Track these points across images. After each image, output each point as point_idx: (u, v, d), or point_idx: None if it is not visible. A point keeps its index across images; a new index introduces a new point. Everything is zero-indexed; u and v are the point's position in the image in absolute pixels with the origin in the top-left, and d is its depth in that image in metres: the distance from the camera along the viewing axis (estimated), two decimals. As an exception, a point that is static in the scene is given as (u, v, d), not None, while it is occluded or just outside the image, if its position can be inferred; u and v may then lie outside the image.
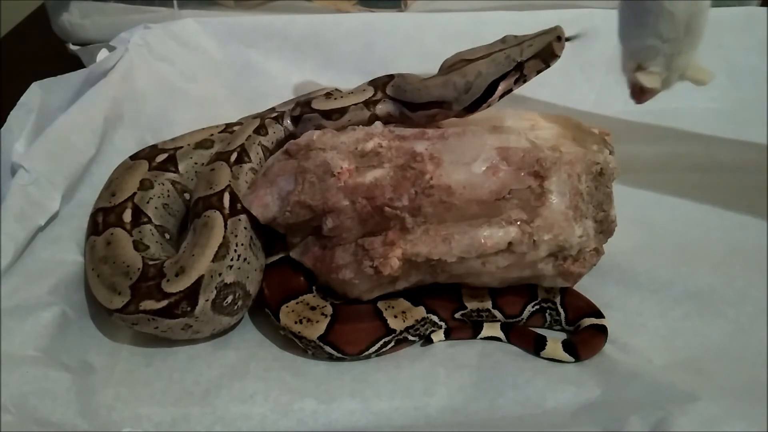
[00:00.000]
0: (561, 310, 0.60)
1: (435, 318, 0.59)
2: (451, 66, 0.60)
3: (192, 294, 0.54)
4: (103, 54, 0.79)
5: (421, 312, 0.59)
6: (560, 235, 0.54)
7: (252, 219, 0.58)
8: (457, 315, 0.60)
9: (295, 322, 0.56)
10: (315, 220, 0.57)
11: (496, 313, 0.60)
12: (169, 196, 0.64)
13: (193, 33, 0.87)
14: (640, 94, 0.55)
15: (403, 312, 0.58)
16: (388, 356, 0.58)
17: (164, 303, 0.53)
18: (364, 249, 0.55)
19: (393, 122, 0.62)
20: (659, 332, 0.59)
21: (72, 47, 0.95)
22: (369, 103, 0.62)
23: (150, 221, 0.61)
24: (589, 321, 0.59)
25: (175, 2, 0.92)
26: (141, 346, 0.58)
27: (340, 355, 0.57)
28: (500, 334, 0.59)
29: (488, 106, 0.60)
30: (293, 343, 0.57)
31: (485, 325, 0.59)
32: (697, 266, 0.65)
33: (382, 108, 0.62)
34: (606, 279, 0.63)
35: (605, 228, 0.58)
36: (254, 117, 0.69)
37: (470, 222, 0.54)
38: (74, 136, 0.64)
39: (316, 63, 0.89)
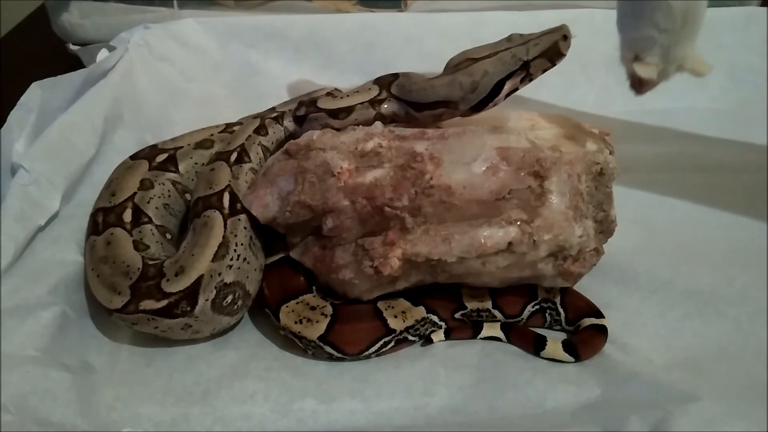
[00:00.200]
0: (561, 310, 0.60)
1: (435, 318, 0.59)
2: (456, 65, 0.60)
3: (192, 294, 0.54)
4: (103, 54, 0.79)
5: (421, 312, 0.59)
6: (560, 235, 0.54)
7: (252, 219, 0.58)
8: (457, 315, 0.60)
9: (295, 322, 0.56)
10: (315, 220, 0.57)
11: (496, 313, 0.60)
12: (169, 196, 0.64)
13: (193, 33, 0.87)
14: (638, 85, 0.54)
15: (403, 312, 0.58)
16: (388, 356, 0.58)
17: (164, 303, 0.53)
18: (364, 249, 0.55)
19: (398, 121, 0.62)
20: (659, 332, 0.59)
21: (72, 47, 0.95)
22: (374, 102, 0.62)
23: (150, 221, 0.61)
24: (589, 321, 0.59)
25: (175, 2, 0.92)
26: (141, 346, 0.58)
27: (340, 355, 0.57)
28: (500, 334, 0.59)
29: (494, 105, 0.59)
30: (293, 343, 0.57)
31: (485, 325, 0.59)
32: (697, 266, 0.65)
33: (387, 107, 0.62)
34: (606, 279, 0.63)
35: (605, 228, 0.58)
36: (254, 117, 0.69)
37: (470, 222, 0.54)
38: (74, 136, 0.64)
39: (316, 63, 0.89)
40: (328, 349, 0.56)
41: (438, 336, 0.59)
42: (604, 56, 0.82)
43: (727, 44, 0.89)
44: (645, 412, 0.48)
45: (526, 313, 0.60)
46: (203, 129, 0.70)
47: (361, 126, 0.60)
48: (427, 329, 0.59)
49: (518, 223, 0.54)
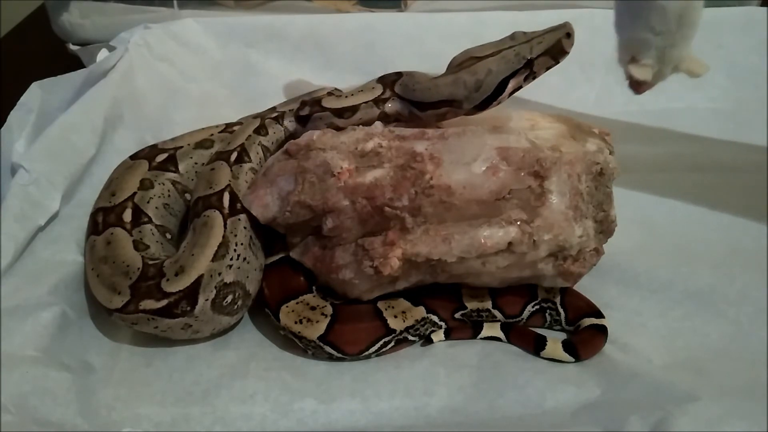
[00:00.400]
0: (561, 310, 0.60)
1: (435, 318, 0.59)
2: (460, 64, 0.60)
3: (192, 293, 0.54)
4: (103, 54, 0.79)
5: (421, 312, 0.59)
6: (560, 235, 0.54)
7: (252, 218, 0.58)
8: (457, 315, 0.60)
9: (295, 322, 0.56)
10: (315, 220, 0.57)
11: (496, 313, 0.60)
12: (169, 195, 0.64)
13: (193, 33, 0.87)
14: (636, 86, 0.55)
15: (403, 312, 0.58)
16: (388, 356, 0.58)
17: (164, 302, 0.53)
18: (364, 249, 0.55)
19: (402, 120, 0.62)
20: (659, 332, 0.59)
21: (72, 47, 0.95)
22: (379, 101, 0.62)
23: (150, 221, 0.61)
24: (589, 321, 0.59)
25: (175, 2, 0.92)
26: (141, 346, 0.58)
27: (340, 355, 0.57)
28: (500, 334, 0.59)
29: (498, 104, 0.59)
30: (293, 343, 0.57)
31: (485, 325, 0.59)
32: (697, 266, 0.65)
33: (391, 106, 0.62)
34: (606, 279, 0.63)
35: (605, 228, 0.58)
36: (254, 117, 0.69)
37: (470, 222, 0.54)
38: (74, 136, 0.64)
39: (316, 63, 0.89)
40: (328, 349, 0.56)
41: (438, 336, 0.59)
42: (604, 56, 0.82)
43: (727, 44, 0.89)
44: (645, 412, 0.48)
45: (526, 313, 0.60)
46: (203, 129, 0.70)
47: (361, 126, 0.60)
48: (427, 329, 0.59)
49: (518, 223, 0.54)
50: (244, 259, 0.57)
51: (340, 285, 0.58)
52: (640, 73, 0.53)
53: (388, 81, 0.63)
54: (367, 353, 0.57)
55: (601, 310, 0.60)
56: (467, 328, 0.60)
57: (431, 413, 0.53)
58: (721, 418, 0.47)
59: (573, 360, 0.57)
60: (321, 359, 0.57)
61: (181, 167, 0.66)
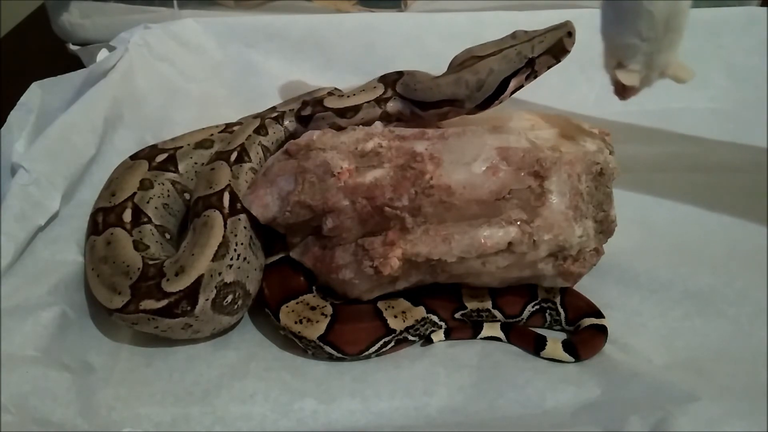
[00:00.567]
0: (561, 310, 0.60)
1: (435, 318, 0.59)
2: (461, 63, 0.60)
3: (192, 293, 0.54)
4: (103, 54, 0.79)
5: (421, 312, 0.59)
6: (560, 235, 0.54)
7: (252, 218, 0.58)
8: (457, 315, 0.60)
9: (295, 322, 0.56)
10: (315, 220, 0.57)
11: (496, 313, 0.60)
12: (169, 195, 0.64)
13: (193, 33, 0.87)
14: (622, 91, 0.55)
15: (403, 312, 0.58)
16: (388, 356, 0.58)
17: (164, 302, 0.53)
18: (364, 249, 0.55)
19: (404, 120, 0.63)
20: (659, 332, 0.59)
21: (72, 47, 0.95)
22: (380, 101, 0.62)
23: (150, 221, 0.61)
24: (589, 321, 0.59)
25: (175, 2, 0.92)
26: (141, 346, 0.58)
27: (340, 355, 0.57)
28: (500, 334, 0.59)
29: (500, 103, 0.60)
30: (293, 343, 0.57)
31: (485, 325, 0.59)
32: (697, 266, 0.65)
33: (392, 106, 0.62)
34: (606, 279, 0.63)
35: (605, 228, 0.58)
36: (254, 117, 0.69)
37: (470, 222, 0.54)
38: (74, 136, 0.64)
39: (316, 63, 0.89)
40: (328, 349, 0.56)
41: (438, 336, 0.59)
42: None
43: (727, 44, 0.89)
44: (645, 412, 0.48)
45: (526, 313, 0.60)
46: (203, 129, 0.70)
47: (361, 126, 0.60)
48: (427, 329, 0.59)
49: (518, 223, 0.54)
50: (245, 259, 0.57)
51: (340, 285, 0.58)
52: (628, 78, 0.53)
53: (390, 80, 0.63)
54: (367, 353, 0.57)
55: (601, 310, 0.60)
56: (467, 328, 0.60)
57: (431, 413, 0.53)
58: (721, 418, 0.47)
59: (573, 360, 0.57)
60: (321, 359, 0.57)
61: (181, 167, 0.66)
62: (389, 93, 0.62)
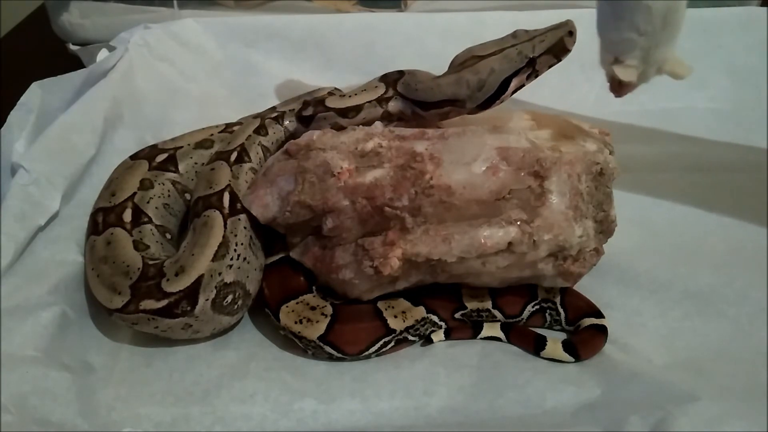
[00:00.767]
0: (561, 310, 0.60)
1: (435, 318, 0.59)
2: (462, 63, 0.60)
3: (192, 293, 0.54)
4: (103, 54, 0.79)
5: (421, 312, 0.59)
6: (560, 235, 0.54)
7: (252, 218, 0.58)
8: (457, 315, 0.60)
9: (295, 322, 0.56)
10: (315, 220, 0.57)
11: (496, 313, 0.60)
12: (169, 195, 0.64)
13: (193, 33, 0.87)
14: (618, 87, 0.55)
15: (403, 312, 0.58)
16: (388, 356, 0.58)
17: (164, 302, 0.53)
18: (364, 249, 0.55)
19: (405, 120, 0.63)
20: (659, 332, 0.59)
21: (72, 47, 0.95)
22: (382, 101, 0.62)
23: (150, 221, 0.61)
24: (589, 321, 0.59)
25: (175, 2, 0.92)
26: (141, 346, 0.58)
27: (340, 355, 0.57)
28: (500, 334, 0.59)
29: (501, 103, 0.60)
30: (293, 343, 0.57)
31: (485, 325, 0.59)
32: (697, 266, 0.65)
33: (394, 105, 0.62)
34: (606, 279, 0.63)
35: (605, 228, 0.58)
36: (254, 117, 0.69)
37: (470, 222, 0.54)
38: (74, 136, 0.64)
39: (316, 63, 0.89)
40: (328, 349, 0.56)
41: (438, 336, 0.59)
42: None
43: (727, 44, 0.89)
44: (645, 412, 0.48)
45: (526, 313, 0.60)
46: (203, 129, 0.70)
47: (361, 126, 0.60)
48: (427, 329, 0.59)
49: (518, 223, 0.54)
50: (244, 259, 0.57)
51: (340, 285, 0.58)
52: (625, 74, 0.53)
53: (391, 80, 0.63)
54: (367, 353, 0.57)
55: (601, 310, 0.60)
56: (467, 328, 0.60)
57: (431, 413, 0.53)
58: (721, 418, 0.47)
59: (573, 360, 0.57)
60: (321, 359, 0.57)
61: (181, 167, 0.66)
62: (390, 92, 0.62)
